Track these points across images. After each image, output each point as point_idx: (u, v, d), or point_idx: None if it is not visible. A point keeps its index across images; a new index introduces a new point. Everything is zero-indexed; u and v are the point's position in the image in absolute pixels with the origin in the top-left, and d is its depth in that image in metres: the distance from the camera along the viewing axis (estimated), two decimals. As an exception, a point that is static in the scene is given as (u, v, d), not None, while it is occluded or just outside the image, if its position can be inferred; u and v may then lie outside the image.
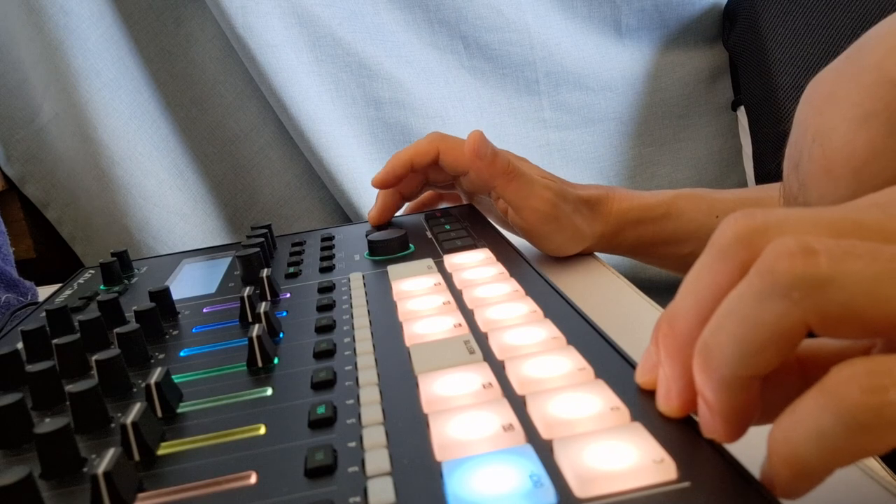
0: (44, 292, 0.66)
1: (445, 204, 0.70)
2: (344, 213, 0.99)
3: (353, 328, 0.38)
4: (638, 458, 0.23)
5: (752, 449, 0.24)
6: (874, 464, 0.31)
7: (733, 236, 0.23)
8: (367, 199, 0.93)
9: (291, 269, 0.51)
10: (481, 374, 0.30)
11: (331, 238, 0.59)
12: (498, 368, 0.31)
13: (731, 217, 0.23)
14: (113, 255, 0.56)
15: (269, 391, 0.33)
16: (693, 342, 0.23)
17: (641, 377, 0.28)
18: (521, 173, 0.57)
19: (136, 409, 0.29)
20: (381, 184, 0.61)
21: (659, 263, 0.68)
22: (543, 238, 0.60)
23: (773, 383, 0.24)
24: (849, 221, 0.22)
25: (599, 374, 0.29)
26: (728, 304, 0.22)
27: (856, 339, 0.23)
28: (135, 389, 0.35)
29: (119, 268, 0.56)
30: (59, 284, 0.57)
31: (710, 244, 0.23)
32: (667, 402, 0.25)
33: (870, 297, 0.20)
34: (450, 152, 0.59)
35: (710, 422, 0.23)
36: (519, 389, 0.29)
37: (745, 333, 0.21)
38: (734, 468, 0.23)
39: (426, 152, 0.60)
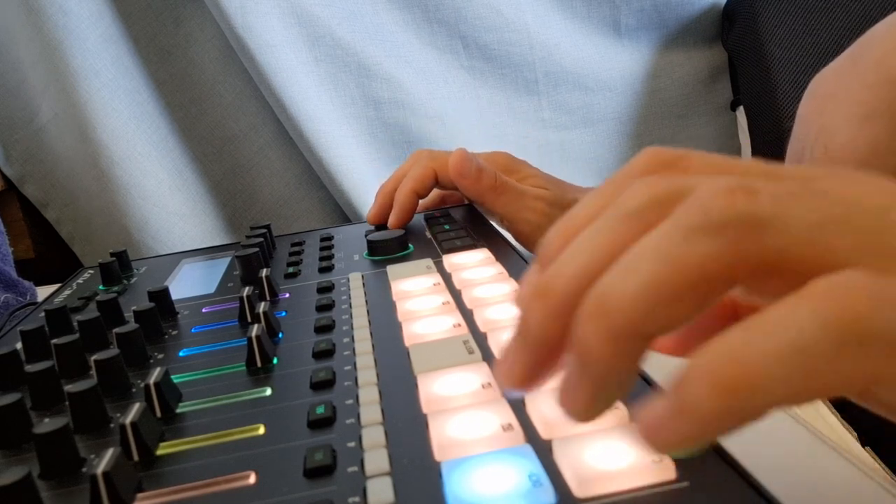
0: (43, 292, 0.66)
1: (446, 204, 0.70)
2: (343, 213, 0.99)
3: (352, 328, 0.38)
4: (637, 457, 0.23)
5: (752, 449, 0.24)
6: (874, 464, 0.31)
7: (646, 199, 0.19)
8: (366, 199, 0.93)
9: (291, 269, 0.51)
10: (481, 374, 0.30)
11: (330, 238, 0.59)
12: (497, 368, 0.31)
13: (646, 180, 0.20)
14: (112, 255, 0.56)
15: (269, 391, 0.33)
16: (567, 311, 0.19)
17: (525, 291, 0.22)
18: (509, 187, 0.57)
19: (136, 409, 0.29)
20: (398, 224, 0.58)
21: None
22: None
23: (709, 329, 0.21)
24: (764, 171, 0.20)
25: (599, 373, 0.29)
26: (644, 241, 0.19)
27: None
28: (134, 389, 0.35)
29: (118, 268, 0.56)
30: (59, 284, 0.57)
31: (614, 204, 0.20)
32: (508, 377, 0.21)
33: (808, 245, 0.18)
34: (443, 171, 0.59)
35: (573, 390, 0.20)
36: (518, 389, 0.29)
37: (662, 274, 0.18)
38: (733, 468, 0.23)
39: (425, 177, 0.59)
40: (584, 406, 0.20)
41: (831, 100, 0.33)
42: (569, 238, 0.21)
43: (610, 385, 0.19)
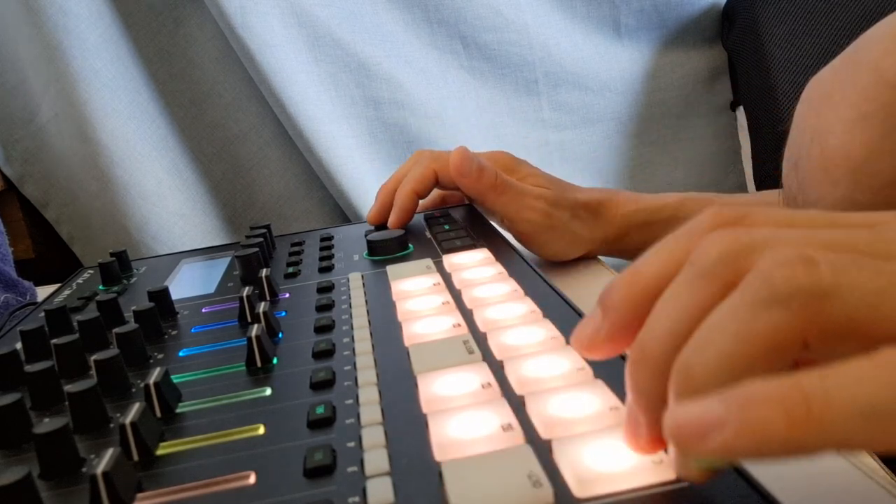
0: (43, 292, 0.66)
1: (447, 205, 0.70)
2: (343, 213, 0.99)
3: (352, 328, 0.38)
4: (637, 458, 0.23)
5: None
6: (874, 464, 0.31)
7: (718, 255, 0.21)
8: (366, 199, 0.93)
9: (290, 269, 0.51)
10: (480, 374, 0.30)
11: (330, 238, 0.59)
12: (497, 368, 0.31)
13: (716, 235, 0.21)
14: (112, 255, 0.56)
15: (268, 391, 0.33)
16: (668, 370, 0.21)
17: (580, 343, 0.24)
18: (509, 186, 0.56)
19: (135, 409, 0.29)
20: (398, 224, 0.58)
21: None
22: (541, 245, 0.60)
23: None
24: (839, 241, 0.21)
25: (598, 374, 0.29)
26: (716, 315, 0.20)
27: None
28: (134, 389, 0.35)
29: (118, 268, 0.56)
30: (58, 284, 0.57)
31: (689, 263, 0.21)
32: (635, 438, 0.23)
33: (872, 311, 0.19)
34: (444, 171, 0.59)
35: (636, 431, 0.22)
36: (518, 389, 0.29)
37: (736, 348, 0.19)
38: (733, 468, 0.23)
39: (425, 178, 0.59)
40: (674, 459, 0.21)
41: (827, 102, 0.33)
42: (635, 292, 0.22)
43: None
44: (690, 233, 0.22)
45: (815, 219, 0.22)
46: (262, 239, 0.55)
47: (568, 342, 0.32)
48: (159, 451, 0.29)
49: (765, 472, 0.23)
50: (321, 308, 0.42)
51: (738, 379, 0.19)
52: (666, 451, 0.23)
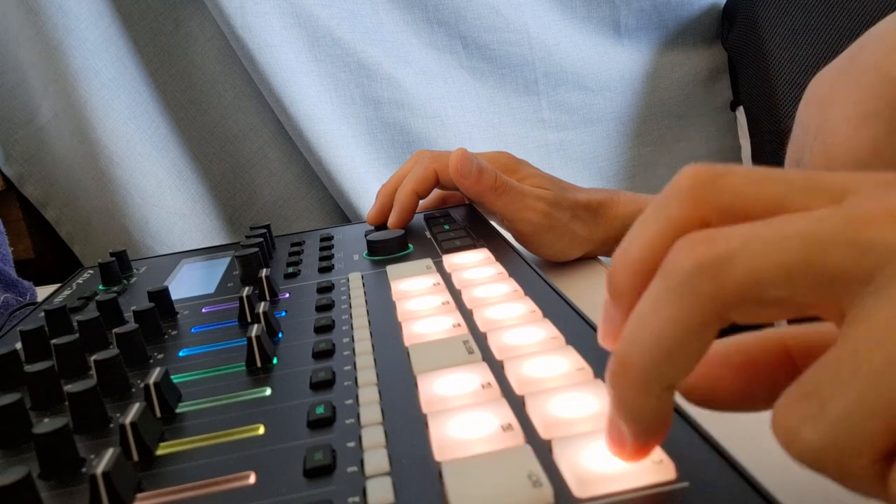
0: (42, 292, 0.66)
1: (447, 205, 0.70)
2: (343, 213, 0.99)
3: (352, 328, 0.38)
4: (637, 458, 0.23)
5: (752, 449, 0.24)
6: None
7: (692, 269, 0.20)
8: (365, 199, 0.93)
9: (290, 269, 0.51)
10: (480, 374, 0.30)
11: (330, 238, 0.59)
12: (497, 368, 0.31)
13: (688, 241, 0.20)
14: (112, 255, 0.56)
15: (268, 391, 0.33)
16: (652, 383, 0.21)
17: (606, 340, 0.24)
18: (509, 187, 0.56)
19: (135, 409, 0.29)
20: (398, 224, 0.58)
21: None
22: (541, 246, 0.60)
23: (764, 376, 0.23)
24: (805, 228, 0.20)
25: (598, 373, 0.29)
26: (637, 311, 0.21)
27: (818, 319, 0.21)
28: (134, 389, 0.35)
29: (118, 268, 0.56)
30: (58, 284, 0.57)
31: (663, 273, 0.21)
32: (621, 447, 0.23)
33: (775, 263, 0.19)
34: (444, 171, 0.58)
35: (620, 440, 0.22)
36: (518, 389, 0.29)
37: (658, 339, 0.20)
38: (733, 468, 0.23)
39: (426, 178, 0.59)
40: (637, 453, 0.22)
41: (830, 100, 0.33)
42: (635, 271, 0.22)
43: (653, 430, 0.22)
44: (667, 199, 0.22)
45: (791, 181, 0.21)
46: (261, 239, 0.55)
47: (568, 342, 0.32)
48: (159, 451, 0.29)
49: (765, 472, 0.23)
50: (321, 308, 0.42)
51: (674, 361, 0.20)
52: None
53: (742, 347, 0.24)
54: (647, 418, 0.22)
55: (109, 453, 0.25)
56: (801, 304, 0.20)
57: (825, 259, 0.19)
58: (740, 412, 0.24)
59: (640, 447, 0.22)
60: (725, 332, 0.22)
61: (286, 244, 0.59)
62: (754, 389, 0.24)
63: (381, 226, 0.60)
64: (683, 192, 0.21)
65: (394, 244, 0.52)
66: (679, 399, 0.25)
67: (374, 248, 0.52)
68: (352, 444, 0.27)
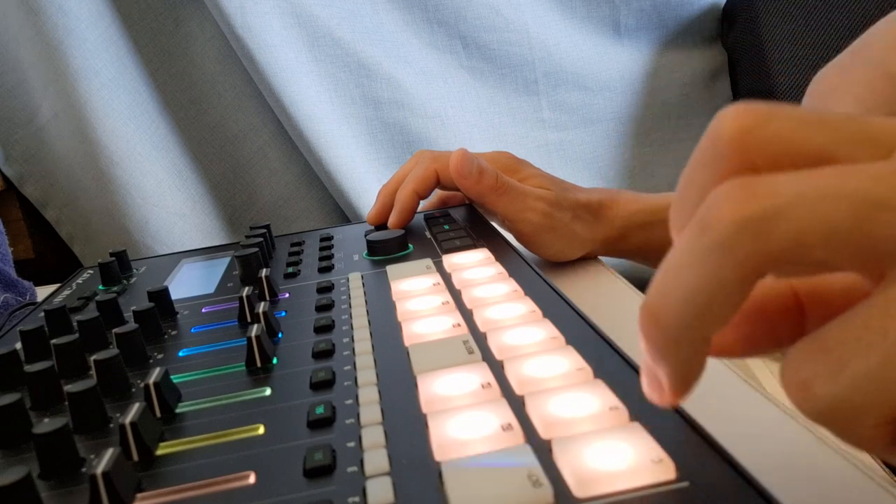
0: (42, 292, 0.66)
1: (448, 205, 0.70)
2: (343, 213, 0.99)
3: (352, 328, 0.38)
4: (637, 457, 0.23)
5: (752, 449, 0.24)
6: (874, 464, 0.31)
7: (731, 225, 0.19)
8: (365, 199, 0.93)
9: (290, 269, 0.51)
10: (480, 374, 0.30)
11: (330, 238, 0.59)
12: (497, 368, 0.31)
13: (727, 191, 0.19)
14: (112, 255, 0.56)
15: (268, 391, 0.33)
16: (686, 336, 0.21)
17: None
18: (510, 187, 0.56)
19: (135, 409, 0.29)
20: (398, 224, 0.58)
21: None
22: (541, 246, 0.60)
23: (770, 320, 0.23)
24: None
25: (598, 373, 0.29)
26: (671, 261, 0.20)
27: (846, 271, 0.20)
28: (133, 389, 0.35)
29: (118, 268, 0.56)
30: (58, 284, 0.57)
31: (700, 224, 0.19)
32: (659, 392, 0.23)
33: (824, 224, 0.18)
34: (445, 171, 0.58)
35: (657, 385, 0.22)
36: (518, 389, 0.29)
37: (693, 296, 0.19)
38: (733, 468, 0.23)
39: (426, 178, 0.59)
40: (674, 398, 0.22)
41: (832, 97, 0.33)
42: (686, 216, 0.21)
43: (688, 377, 0.21)
44: (711, 161, 0.21)
45: (841, 128, 0.20)
46: (261, 239, 0.55)
47: (568, 342, 0.32)
48: (159, 451, 0.29)
49: (765, 472, 0.23)
50: (321, 308, 0.42)
51: (709, 316, 0.19)
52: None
53: (755, 294, 0.23)
54: (683, 366, 0.21)
55: (109, 453, 0.25)
56: (844, 263, 0.19)
57: (876, 224, 0.18)
58: (744, 357, 0.24)
59: (677, 391, 0.22)
60: None
61: (286, 244, 0.59)
62: (760, 334, 0.23)
63: (381, 226, 0.60)
64: (725, 142, 0.20)
65: (394, 244, 0.52)
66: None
67: (374, 248, 0.52)
68: (352, 444, 0.27)
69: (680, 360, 0.21)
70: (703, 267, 0.19)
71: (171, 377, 0.34)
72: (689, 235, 0.20)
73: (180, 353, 0.39)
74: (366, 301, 0.42)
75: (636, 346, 0.29)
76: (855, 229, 0.18)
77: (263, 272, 0.46)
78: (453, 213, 0.62)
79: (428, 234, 0.56)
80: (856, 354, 0.18)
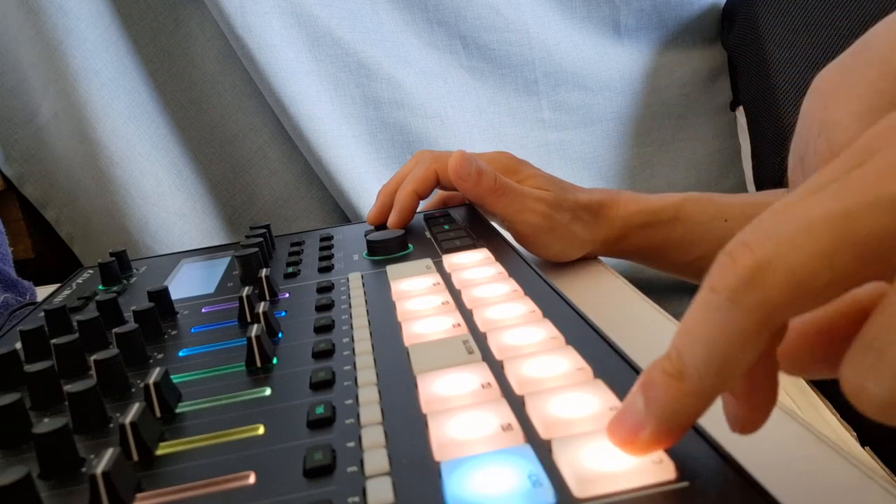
0: (42, 292, 0.66)
1: (448, 205, 0.70)
2: (343, 212, 0.99)
3: (351, 328, 0.38)
4: (637, 458, 0.23)
5: (752, 449, 0.24)
6: (874, 464, 0.31)
7: (735, 282, 0.20)
8: (365, 199, 0.93)
9: (290, 269, 0.51)
10: (480, 374, 0.30)
11: (329, 238, 0.59)
12: (497, 368, 0.31)
13: (726, 253, 0.20)
14: (111, 254, 0.56)
15: (268, 391, 0.33)
16: (704, 393, 0.22)
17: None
18: (509, 189, 0.56)
19: (135, 409, 0.29)
20: (398, 224, 0.58)
21: (665, 268, 0.68)
22: (541, 247, 0.60)
23: (843, 340, 0.23)
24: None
25: (598, 373, 0.29)
26: (687, 323, 0.21)
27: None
28: (133, 389, 0.35)
29: (118, 268, 0.56)
30: (58, 284, 0.57)
31: (709, 289, 0.20)
32: (632, 439, 0.23)
33: (809, 255, 0.18)
34: (445, 172, 0.58)
35: (632, 434, 0.23)
36: (518, 389, 0.29)
37: (712, 351, 0.20)
38: (733, 468, 0.23)
39: (426, 178, 0.59)
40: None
41: (834, 95, 0.33)
42: None
43: (680, 425, 0.22)
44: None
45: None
46: (261, 239, 0.55)
47: (568, 342, 0.32)
48: (159, 451, 0.29)
49: (765, 472, 0.23)
50: (321, 308, 0.42)
51: (730, 368, 0.20)
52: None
53: (814, 319, 0.24)
54: (685, 420, 0.22)
55: (109, 453, 0.25)
56: (855, 277, 0.19)
57: (857, 229, 0.18)
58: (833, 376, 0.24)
59: (655, 444, 0.22)
60: None
61: (286, 244, 0.59)
62: (836, 354, 0.23)
63: (381, 226, 0.60)
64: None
65: (394, 244, 0.52)
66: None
67: (373, 248, 0.52)
68: (352, 444, 0.27)
69: (692, 414, 0.22)
70: (718, 324, 0.20)
71: (171, 377, 0.34)
72: (701, 299, 0.21)
73: (180, 353, 0.39)
74: (366, 301, 0.42)
75: (636, 347, 0.29)
76: (840, 242, 0.18)
77: (263, 272, 0.46)
78: (453, 213, 0.62)
79: (428, 234, 0.56)
80: (889, 343, 0.18)
